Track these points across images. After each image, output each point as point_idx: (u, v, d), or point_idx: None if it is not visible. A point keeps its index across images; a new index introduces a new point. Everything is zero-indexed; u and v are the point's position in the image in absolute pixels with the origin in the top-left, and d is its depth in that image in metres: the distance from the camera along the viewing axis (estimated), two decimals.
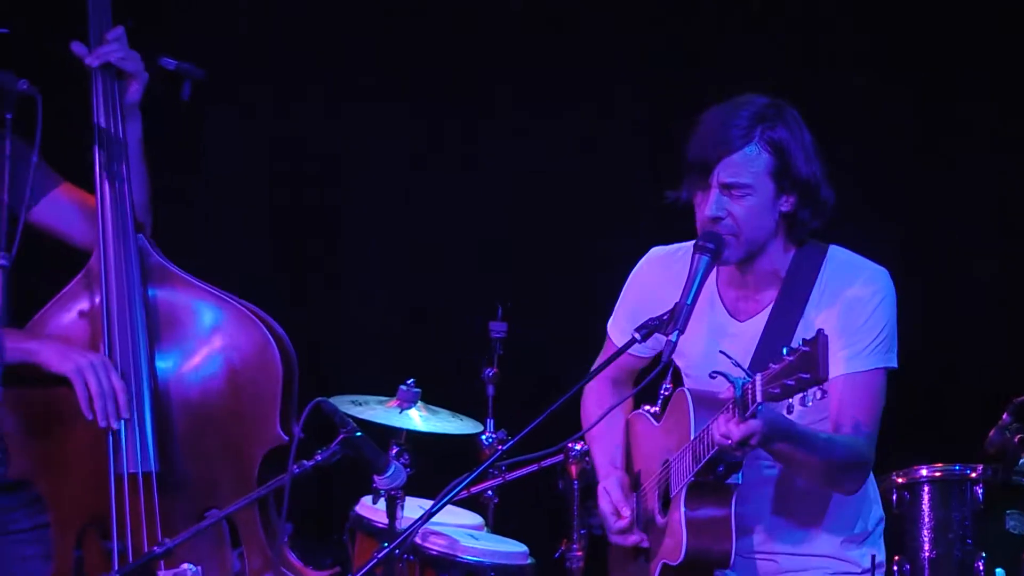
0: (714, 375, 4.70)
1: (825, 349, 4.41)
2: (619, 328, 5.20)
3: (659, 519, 5.00)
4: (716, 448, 4.68)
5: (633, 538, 5.09)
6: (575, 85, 8.09)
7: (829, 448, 4.79)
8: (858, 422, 4.80)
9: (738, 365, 4.63)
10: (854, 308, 4.92)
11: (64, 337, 5.48)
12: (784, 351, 4.50)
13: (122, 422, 5.37)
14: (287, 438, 5.45)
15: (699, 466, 4.75)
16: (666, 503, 4.98)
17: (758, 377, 4.55)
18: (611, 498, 5.13)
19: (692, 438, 4.83)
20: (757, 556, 4.96)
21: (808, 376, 4.41)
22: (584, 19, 8.09)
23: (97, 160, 5.49)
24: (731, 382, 4.60)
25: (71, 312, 5.50)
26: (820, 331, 4.42)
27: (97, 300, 5.47)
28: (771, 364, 4.53)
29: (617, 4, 8.04)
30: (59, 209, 5.52)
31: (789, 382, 4.46)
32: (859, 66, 7.88)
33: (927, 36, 7.84)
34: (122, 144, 5.54)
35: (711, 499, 4.86)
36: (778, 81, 7.08)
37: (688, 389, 4.94)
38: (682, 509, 4.85)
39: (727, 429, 4.60)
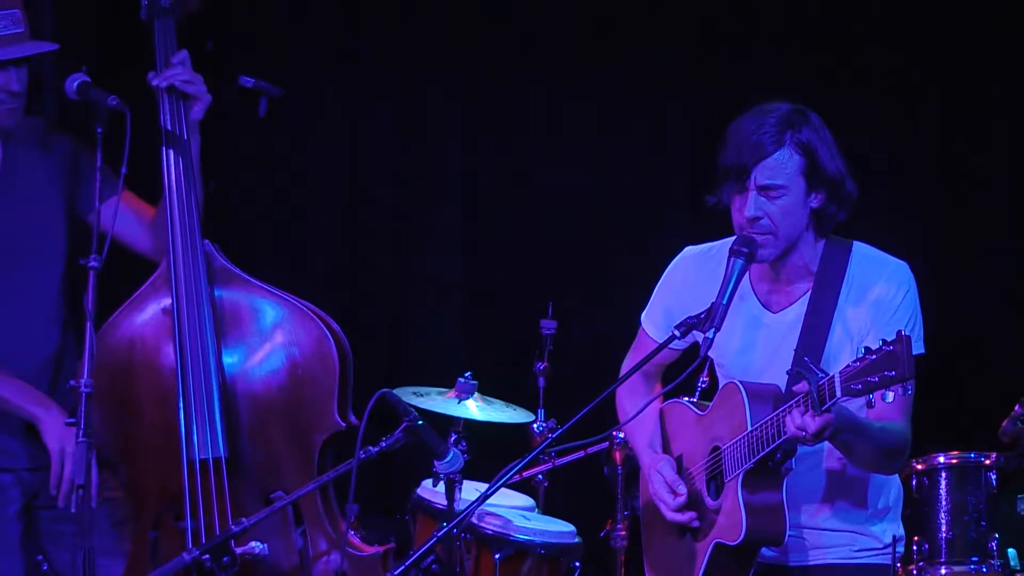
0: (792, 372, 4.75)
1: (910, 348, 4.48)
2: (653, 322, 5.24)
3: (709, 501, 5.02)
4: (785, 438, 4.72)
5: (688, 515, 5.07)
6: (625, 102, 8.07)
7: (883, 436, 4.85)
8: (900, 409, 4.85)
9: (813, 366, 4.66)
10: (883, 302, 4.96)
11: (138, 336, 5.56)
12: (862, 350, 4.55)
13: (190, 403, 5.48)
14: (344, 425, 5.53)
15: (762, 454, 4.79)
16: (718, 487, 5.00)
17: (837, 375, 4.59)
18: (665, 478, 5.13)
19: (749, 429, 4.86)
20: (790, 533, 4.93)
21: (894, 374, 4.48)
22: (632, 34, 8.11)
23: (165, 173, 5.59)
24: (807, 379, 4.64)
25: (144, 313, 5.59)
26: (900, 332, 4.49)
27: (167, 301, 5.55)
28: (852, 363, 4.57)
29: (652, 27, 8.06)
30: (124, 217, 5.54)
31: (873, 379, 4.51)
32: (890, 76, 7.89)
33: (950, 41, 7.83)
34: (188, 158, 5.59)
35: (766, 484, 4.89)
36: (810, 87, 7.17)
37: (741, 383, 4.96)
38: (740, 492, 4.87)
39: (803, 422, 4.64)
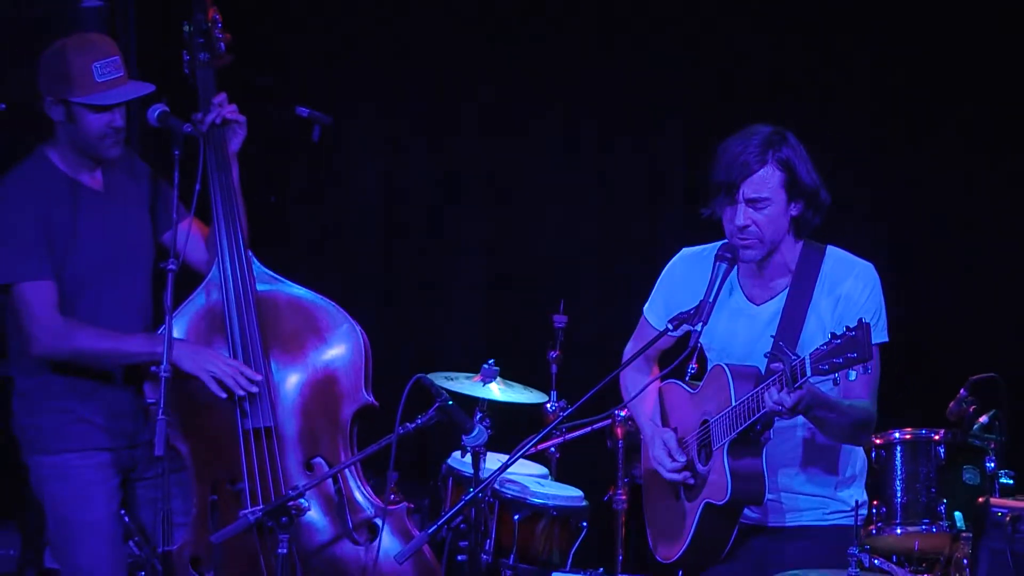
0: (769, 355, 4.87)
1: (869, 334, 4.59)
2: (655, 312, 5.32)
3: (700, 467, 5.10)
4: (763, 411, 4.81)
5: (683, 475, 5.13)
6: (636, 116, 8.02)
7: (851, 411, 4.94)
8: (866, 388, 4.95)
9: (786, 349, 4.77)
10: (851, 297, 5.05)
11: (204, 327, 5.68)
12: (830, 335, 4.65)
13: (250, 389, 5.59)
14: (372, 398, 5.67)
15: (744, 425, 4.88)
16: (708, 454, 5.07)
17: (807, 356, 4.68)
18: (667, 446, 5.17)
19: (733, 404, 4.93)
20: (769, 497, 5.01)
21: (855, 355, 4.58)
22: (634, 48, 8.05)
23: (212, 196, 5.69)
24: (782, 361, 4.75)
25: (202, 309, 5.70)
26: (862, 319, 4.61)
27: (216, 301, 5.67)
28: (820, 346, 4.67)
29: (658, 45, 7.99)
30: (191, 236, 5.64)
31: (838, 360, 4.60)
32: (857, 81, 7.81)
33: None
34: (230, 182, 5.70)
35: (748, 452, 4.97)
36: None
37: (726, 365, 5.03)
38: (725, 459, 4.96)
39: (779, 397, 4.74)
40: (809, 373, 4.69)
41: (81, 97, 5.51)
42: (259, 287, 5.73)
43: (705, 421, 5.11)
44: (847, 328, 4.64)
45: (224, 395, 5.55)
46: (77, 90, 5.51)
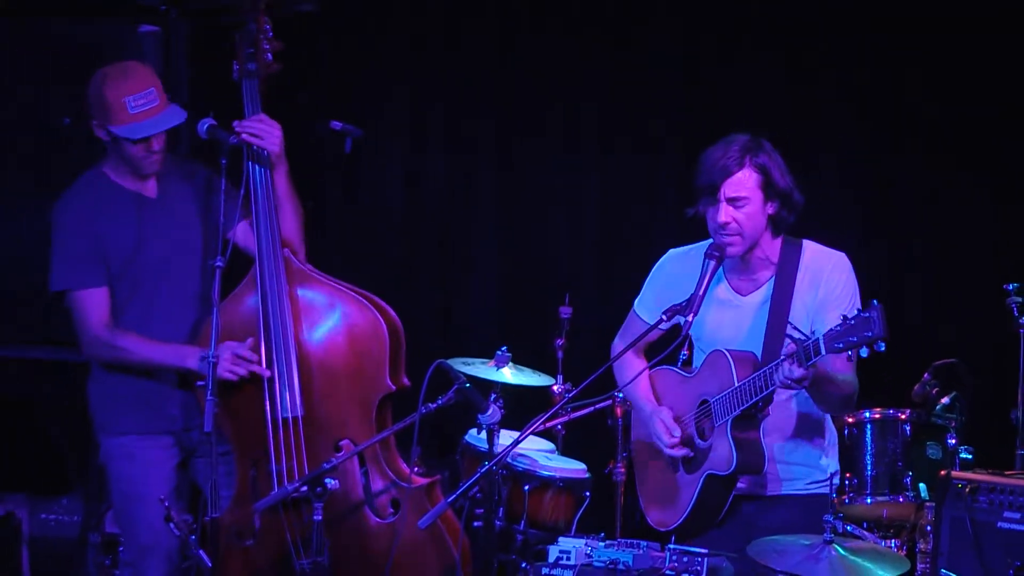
0: (788, 336, 4.87)
1: (883, 314, 4.63)
2: (645, 307, 5.38)
3: (700, 443, 5.14)
4: (774, 387, 4.87)
5: (684, 451, 5.17)
6: (632, 127, 7.92)
7: (844, 384, 5.03)
8: (851, 365, 5.01)
9: (801, 332, 4.81)
10: (831, 285, 5.12)
11: (239, 321, 5.67)
12: (843, 317, 4.69)
13: (273, 373, 5.59)
14: (394, 387, 5.67)
15: (752, 401, 4.94)
16: (708, 430, 5.10)
17: (821, 337, 4.73)
18: (666, 424, 5.21)
19: (736, 384, 4.99)
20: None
21: (871, 334, 4.63)
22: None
23: (252, 199, 5.68)
24: (795, 341, 4.80)
25: (240, 304, 5.72)
26: (874, 301, 4.66)
27: (257, 296, 5.68)
28: (834, 327, 4.71)
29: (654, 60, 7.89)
30: (245, 234, 5.74)
31: (852, 339, 4.65)
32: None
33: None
34: (268, 187, 5.66)
35: (749, 426, 5.04)
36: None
37: (726, 350, 5.08)
38: (729, 434, 5.01)
39: (792, 372, 4.79)
40: (824, 352, 4.73)
41: (116, 128, 5.59)
42: (296, 284, 5.73)
43: (704, 401, 5.15)
44: (859, 310, 4.69)
45: (235, 378, 5.59)
46: (113, 120, 5.58)
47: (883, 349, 4.66)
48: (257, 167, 5.69)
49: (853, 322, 4.68)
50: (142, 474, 5.73)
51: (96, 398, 5.80)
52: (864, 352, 4.69)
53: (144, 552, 5.73)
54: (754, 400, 4.97)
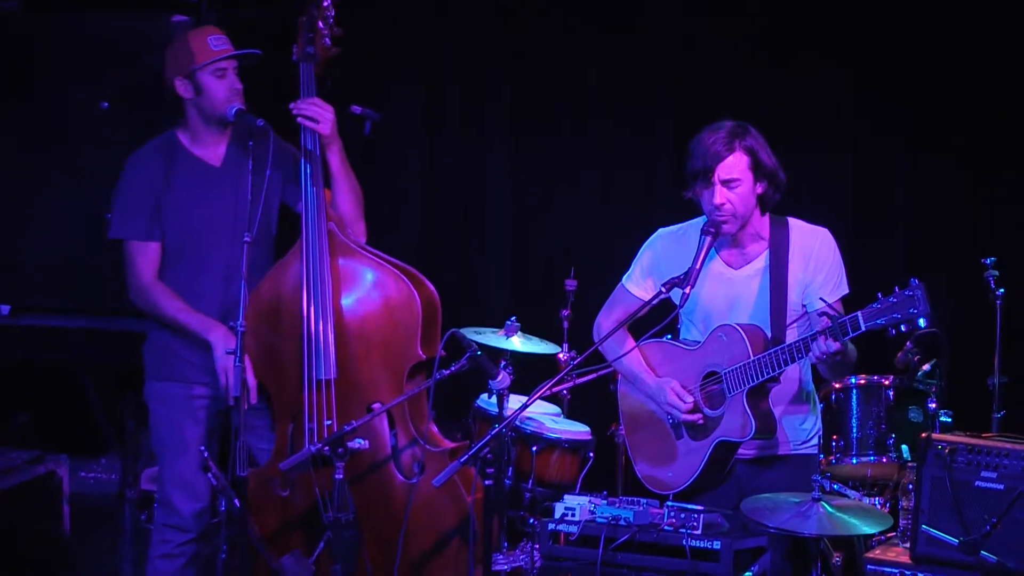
0: (821, 313, 4.88)
1: (926, 292, 4.65)
2: (635, 283, 5.36)
3: (709, 412, 5.15)
4: (801, 360, 4.90)
5: (696, 416, 5.16)
6: (638, 117, 7.83)
7: (852, 354, 5.05)
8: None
9: (836, 310, 4.84)
10: (821, 258, 5.14)
11: (282, 290, 5.69)
12: (879, 296, 4.71)
13: (311, 337, 5.59)
14: (424, 356, 5.69)
15: (772, 374, 4.97)
16: (715, 399, 5.12)
17: (860, 314, 4.76)
18: (677, 393, 5.19)
19: (752, 358, 5.01)
20: None
21: (915, 311, 4.65)
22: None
23: (302, 176, 5.71)
24: (830, 318, 4.81)
25: (285, 271, 5.75)
26: (915, 280, 4.68)
27: (301, 263, 5.69)
28: (872, 305, 4.72)
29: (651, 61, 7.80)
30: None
31: (896, 316, 4.68)
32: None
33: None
34: (316, 165, 5.69)
35: (762, 395, 5.09)
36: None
37: (737, 324, 5.09)
38: (745, 403, 5.04)
39: (828, 347, 4.81)
40: (863, 328, 4.77)
41: (201, 64, 5.66)
42: (339, 256, 5.74)
43: (712, 372, 5.16)
44: (898, 288, 4.71)
45: (223, 378, 5.59)
46: (198, 58, 5.67)
47: (925, 326, 4.70)
48: (307, 146, 5.74)
49: (895, 300, 4.70)
50: (173, 419, 5.77)
51: (147, 348, 5.87)
52: (903, 328, 4.71)
53: (176, 489, 5.75)
54: (777, 372, 5.00)
